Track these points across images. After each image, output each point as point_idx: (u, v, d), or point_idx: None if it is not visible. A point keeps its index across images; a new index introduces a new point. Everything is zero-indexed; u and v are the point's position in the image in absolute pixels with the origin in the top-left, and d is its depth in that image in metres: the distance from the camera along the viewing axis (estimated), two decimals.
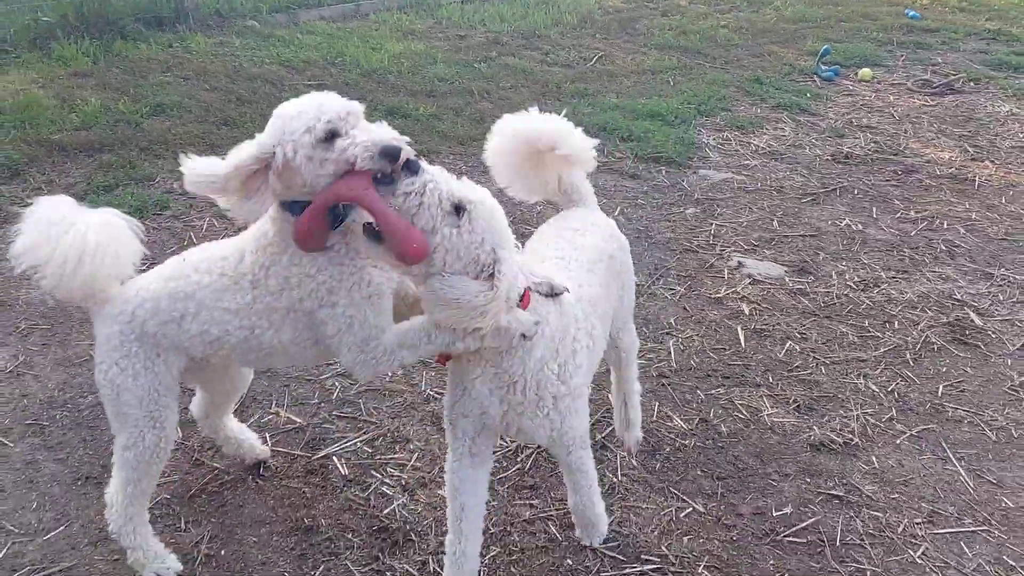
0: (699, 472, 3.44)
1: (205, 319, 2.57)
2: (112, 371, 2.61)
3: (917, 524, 3.21)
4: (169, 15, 8.89)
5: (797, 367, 4.13)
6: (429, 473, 3.31)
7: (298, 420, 3.61)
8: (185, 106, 6.78)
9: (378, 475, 3.31)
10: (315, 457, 3.40)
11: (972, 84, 8.79)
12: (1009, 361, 4.24)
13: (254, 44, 8.58)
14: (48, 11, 8.28)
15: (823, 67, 8.90)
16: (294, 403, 3.72)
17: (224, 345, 2.61)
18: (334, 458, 3.39)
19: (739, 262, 5.08)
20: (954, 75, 8.95)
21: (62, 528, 3.01)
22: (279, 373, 3.87)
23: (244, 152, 2.38)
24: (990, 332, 4.47)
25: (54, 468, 3.27)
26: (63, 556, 2.91)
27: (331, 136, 2.34)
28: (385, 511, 3.14)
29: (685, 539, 3.11)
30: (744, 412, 3.80)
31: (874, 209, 5.92)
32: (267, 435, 3.50)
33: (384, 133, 2.37)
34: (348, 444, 3.47)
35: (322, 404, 3.71)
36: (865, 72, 8.94)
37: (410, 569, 2.91)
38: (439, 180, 2.28)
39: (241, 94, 7.19)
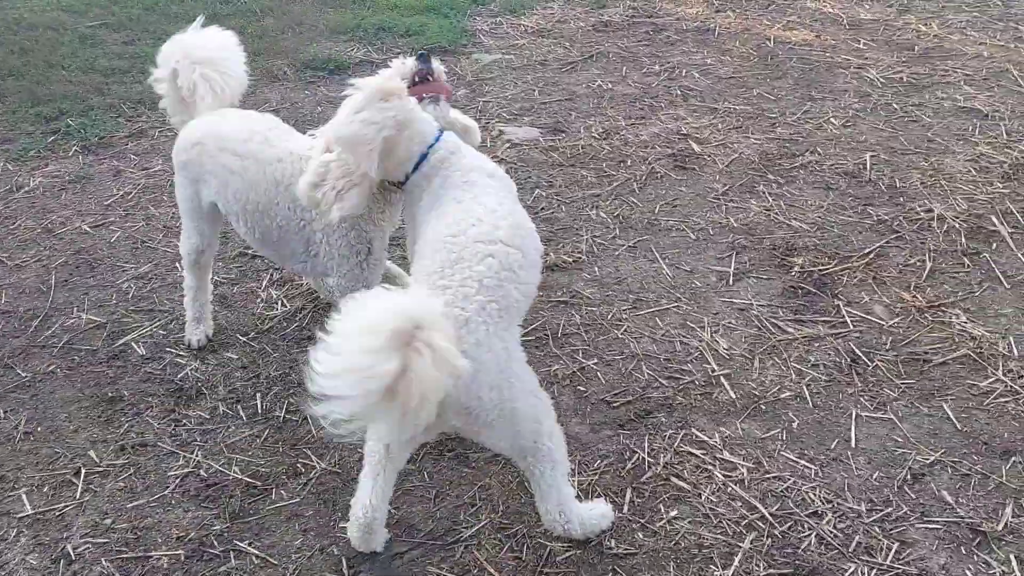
0: None
1: None
2: None
3: (623, 311, 3.97)
4: None
5: (542, 209, 4.80)
6: (217, 339, 3.85)
7: (97, 319, 4.05)
8: None
9: (172, 351, 3.83)
10: (115, 344, 3.87)
11: None
12: (717, 176, 5.04)
13: None
14: None
15: None
16: (94, 306, 4.15)
17: None
18: (132, 344, 3.88)
19: (500, 130, 5.69)
20: None
21: None
22: (77, 284, 4.29)
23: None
24: (705, 156, 5.26)
25: None
26: None
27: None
28: (179, 375, 3.67)
29: None
30: None
31: (624, 68, 6.61)
32: (67, 336, 3.93)
33: None
34: (145, 330, 3.96)
35: (119, 303, 4.16)
36: None
37: (202, 414, 3.47)
38: None
39: (23, 44, 7.24)
